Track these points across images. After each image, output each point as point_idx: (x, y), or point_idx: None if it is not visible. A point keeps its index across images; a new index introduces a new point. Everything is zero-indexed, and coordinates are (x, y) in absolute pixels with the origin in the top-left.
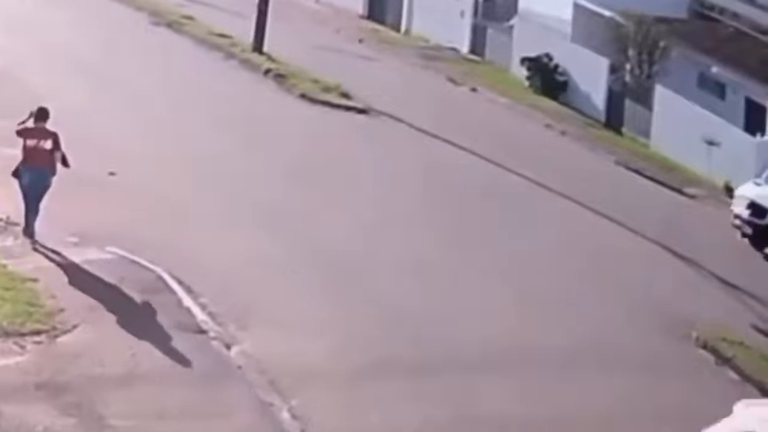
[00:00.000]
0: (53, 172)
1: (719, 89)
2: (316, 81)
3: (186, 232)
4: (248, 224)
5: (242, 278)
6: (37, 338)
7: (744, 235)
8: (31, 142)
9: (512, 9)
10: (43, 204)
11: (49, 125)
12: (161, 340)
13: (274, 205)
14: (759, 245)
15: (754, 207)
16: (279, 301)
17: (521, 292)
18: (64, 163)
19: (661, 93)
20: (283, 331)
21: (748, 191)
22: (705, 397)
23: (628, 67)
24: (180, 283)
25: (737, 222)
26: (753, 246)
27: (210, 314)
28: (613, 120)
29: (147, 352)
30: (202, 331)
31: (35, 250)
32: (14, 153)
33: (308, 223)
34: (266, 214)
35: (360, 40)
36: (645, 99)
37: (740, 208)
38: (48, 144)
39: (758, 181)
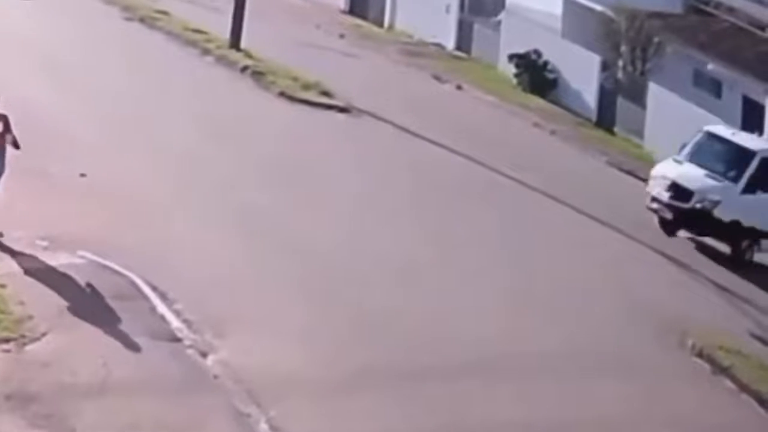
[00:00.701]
0: (3, 155)
1: (715, 87)
2: (295, 78)
3: (160, 236)
4: (225, 226)
5: (219, 283)
6: (5, 346)
7: (662, 220)
8: None
9: (500, 3)
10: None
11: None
12: (134, 349)
13: (251, 206)
14: (674, 231)
15: (676, 189)
16: (257, 306)
17: (509, 295)
18: (15, 145)
19: (654, 91)
20: (261, 338)
21: (668, 171)
22: (702, 408)
23: (620, 63)
24: (154, 288)
25: (655, 206)
26: (667, 232)
27: (185, 321)
28: (605, 119)
29: (119, 361)
30: (177, 339)
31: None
32: None
33: (288, 226)
34: (244, 216)
35: (341, 36)
36: (638, 97)
37: (659, 190)
38: None
39: (679, 158)
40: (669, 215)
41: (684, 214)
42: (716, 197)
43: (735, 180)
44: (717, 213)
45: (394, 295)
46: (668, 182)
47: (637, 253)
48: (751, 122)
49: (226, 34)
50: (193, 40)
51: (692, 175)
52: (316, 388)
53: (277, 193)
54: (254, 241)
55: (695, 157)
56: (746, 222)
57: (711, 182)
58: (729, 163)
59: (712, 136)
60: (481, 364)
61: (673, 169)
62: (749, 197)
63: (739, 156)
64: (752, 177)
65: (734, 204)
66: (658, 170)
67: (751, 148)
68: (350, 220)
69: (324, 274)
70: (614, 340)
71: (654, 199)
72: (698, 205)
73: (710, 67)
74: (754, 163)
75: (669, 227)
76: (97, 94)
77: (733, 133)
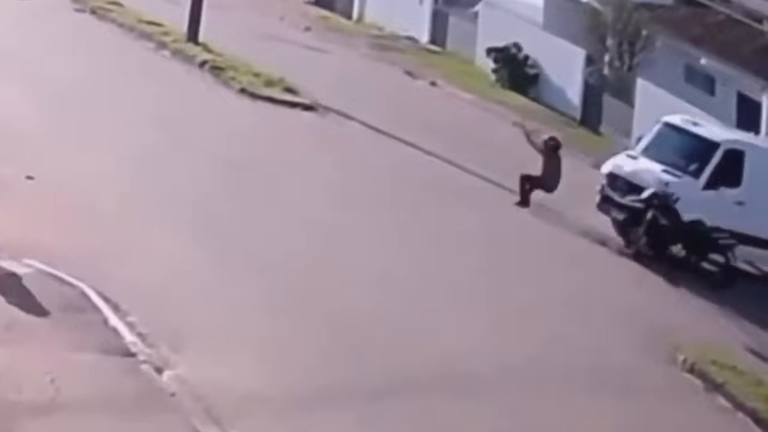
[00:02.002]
0: None
1: (708, 83)
2: (257, 74)
3: (113, 243)
4: (183, 233)
5: (176, 294)
6: None
7: (615, 222)
8: None
9: None
10: None
11: None
12: (85, 364)
13: (211, 210)
14: (625, 233)
15: (629, 186)
16: (217, 319)
17: (489, 304)
18: None
19: (643, 87)
20: (221, 353)
21: (620, 167)
22: (694, 428)
23: (606, 58)
24: (106, 300)
25: (606, 206)
26: (619, 233)
27: (139, 335)
28: (590, 118)
29: (69, 377)
30: (131, 354)
31: None
32: None
33: (250, 232)
34: (203, 222)
35: (307, 29)
36: (625, 94)
37: (610, 188)
38: None
39: (633, 153)
40: (621, 216)
41: (639, 214)
42: (674, 194)
43: (696, 175)
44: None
45: (365, 304)
46: (621, 179)
47: (623, 261)
48: (746, 121)
49: (183, 26)
50: (148, 33)
51: (647, 171)
52: (280, 406)
53: (239, 197)
54: (214, 249)
55: (652, 151)
56: (710, 222)
57: (668, 178)
58: (689, 157)
59: (671, 127)
60: (458, 378)
61: (627, 164)
62: (712, 193)
63: (701, 148)
64: (715, 171)
65: (695, 201)
66: (608, 166)
67: (713, 140)
68: (317, 225)
69: (290, 283)
70: (599, 353)
71: (604, 199)
72: (654, 203)
73: (703, 62)
74: (717, 156)
75: (622, 229)
76: (44, 91)
77: (695, 124)
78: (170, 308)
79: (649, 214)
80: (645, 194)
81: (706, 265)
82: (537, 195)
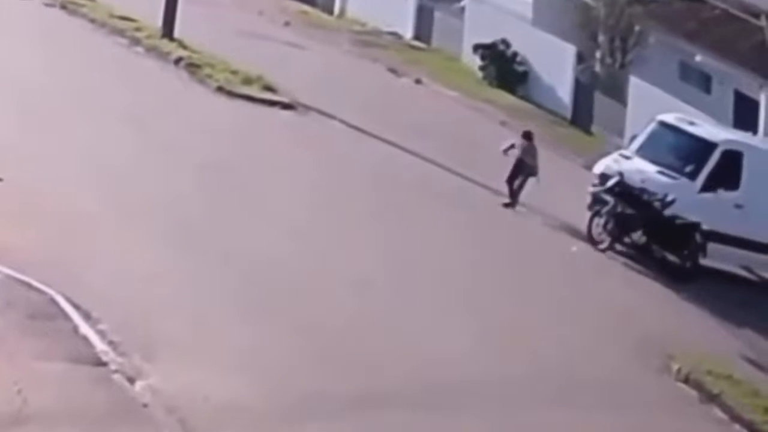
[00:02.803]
0: None
1: (704, 81)
2: (235, 71)
3: (84, 248)
4: (157, 238)
5: (149, 301)
6: None
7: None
8: None
9: None
10: None
11: None
12: (54, 374)
13: (186, 214)
14: (620, 237)
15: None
16: (192, 326)
17: (473, 311)
18: None
19: (636, 85)
20: (196, 361)
21: (613, 167)
22: None
23: (598, 55)
24: (76, 307)
25: (597, 208)
26: (615, 240)
27: (111, 343)
28: (581, 117)
29: (37, 387)
30: (102, 363)
31: None
32: None
33: (226, 236)
34: (178, 226)
35: (286, 24)
36: (618, 92)
37: (601, 190)
38: None
39: (627, 153)
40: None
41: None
42: (670, 196)
43: (692, 176)
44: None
45: (346, 311)
46: (613, 180)
47: (616, 266)
48: (744, 120)
49: (157, 21)
50: (121, 28)
51: (642, 172)
52: (257, 418)
53: (215, 200)
54: (189, 254)
55: (646, 151)
56: (706, 225)
57: (663, 179)
58: (685, 158)
59: (666, 126)
60: (442, 390)
61: (620, 165)
62: (709, 196)
63: (697, 149)
64: (712, 173)
65: (692, 205)
66: (600, 167)
67: (710, 140)
68: (295, 228)
69: (267, 290)
70: (589, 363)
71: (596, 201)
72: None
73: (699, 58)
74: (715, 157)
75: (616, 235)
76: (12, 89)
77: (691, 123)
78: (143, 315)
79: (611, 203)
80: (609, 183)
81: (669, 256)
82: (525, 197)
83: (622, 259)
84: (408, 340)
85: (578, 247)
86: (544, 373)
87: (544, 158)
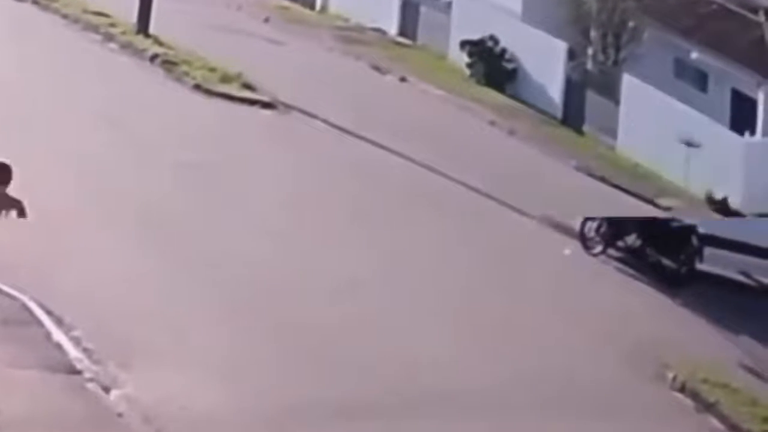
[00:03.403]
0: None
1: (700, 79)
2: (213, 69)
3: (57, 252)
4: (132, 241)
5: (125, 306)
6: None
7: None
8: None
9: None
10: None
11: None
12: (26, 382)
13: (164, 216)
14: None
15: None
16: (169, 332)
17: (460, 316)
18: None
19: (629, 83)
20: (174, 369)
21: None
22: None
23: (590, 52)
24: (49, 313)
25: None
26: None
27: (85, 351)
28: (572, 116)
29: (8, 396)
30: (76, 371)
31: None
32: None
33: (206, 239)
34: (155, 229)
35: (266, 20)
36: (611, 91)
37: None
38: None
39: None
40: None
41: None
42: None
43: None
44: None
45: (330, 317)
46: None
47: (609, 270)
48: (741, 119)
49: (132, 17)
50: (95, 24)
51: None
52: (237, 429)
53: (193, 201)
54: (167, 257)
55: None
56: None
57: None
58: None
59: None
60: (434, 396)
61: None
62: None
63: None
64: None
65: None
66: None
67: None
68: (276, 231)
69: (249, 293)
70: (581, 370)
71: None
72: None
73: (694, 55)
74: None
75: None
76: None
77: None
78: (118, 321)
79: None
80: None
81: (663, 260)
82: (516, 199)
83: (616, 263)
84: (397, 344)
85: (571, 250)
86: (535, 380)
87: (536, 159)
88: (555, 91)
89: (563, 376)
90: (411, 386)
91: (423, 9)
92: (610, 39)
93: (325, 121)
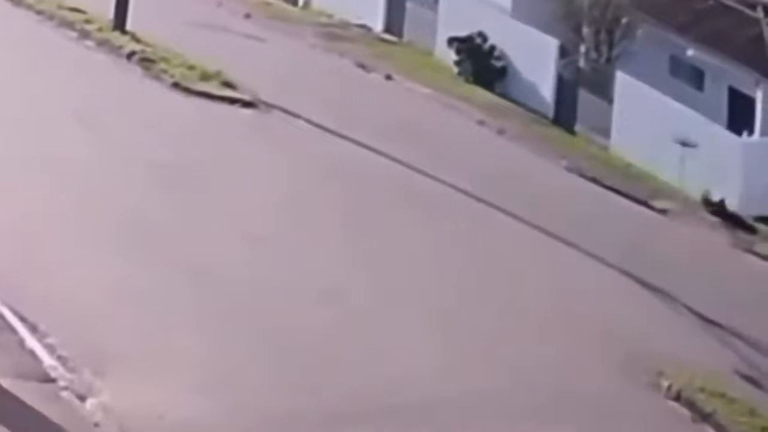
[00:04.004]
0: None
1: (696, 77)
2: (192, 67)
3: (30, 256)
4: (108, 244)
5: (100, 312)
6: None
7: None
8: None
9: None
10: None
11: None
12: None
13: (140, 219)
14: None
15: None
16: (146, 340)
17: (447, 324)
18: None
19: (623, 81)
20: (151, 377)
21: None
22: None
23: (582, 49)
24: (22, 319)
25: None
26: None
27: (60, 358)
28: (564, 115)
29: None
30: (50, 380)
31: None
32: None
33: (184, 244)
34: (130, 232)
35: (247, 16)
36: (603, 89)
37: None
38: None
39: None
40: None
41: None
42: None
43: None
44: None
45: (313, 325)
46: None
47: (599, 274)
48: (738, 119)
49: (109, 13)
50: (70, 20)
51: None
52: None
53: (171, 205)
54: (144, 261)
55: None
56: None
57: None
58: None
59: None
60: (416, 408)
61: None
62: None
63: None
64: None
65: None
66: None
67: None
68: (257, 236)
69: (228, 300)
70: (572, 379)
71: None
72: None
73: (690, 52)
74: None
75: None
76: None
77: None
78: (94, 328)
79: None
80: None
81: None
82: (505, 201)
83: (609, 272)
84: (382, 354)
85: (563, 252)
86: (526, 389)
87: (526, 160)
88: (546, 89)
89: (555, 385)
90: (399, 397)
91: (409, 5)
92: (602, 35)
93: (307, 120)
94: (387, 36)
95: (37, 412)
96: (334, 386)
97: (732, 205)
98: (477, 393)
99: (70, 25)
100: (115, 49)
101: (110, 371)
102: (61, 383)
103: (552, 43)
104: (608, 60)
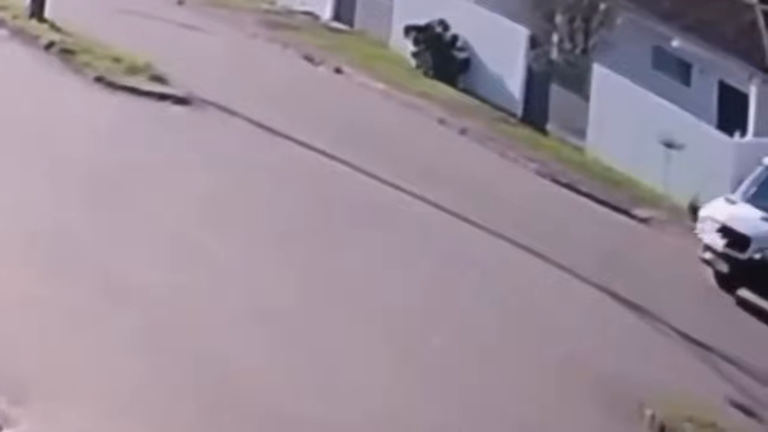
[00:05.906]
0: None
1: (683, 70)
2: (118, 59)
3: None
4: (25, 259)
5: (18, 333)
6: None
7: (718, 274)
8: None
9: None
10: None
11: None
12: None
13: (60, 230)
14: (732, 286)
15: (729, 234)
16: (69, 364)
17: (407, 352)
18: None
19: (601, 75)
20: (75, 404)
21: (718, 212)
22: None
23: (555, 38)
24: None
25: (708, 255)
26: (723, 287)
27: None
28: (534, 113)
29: None
30: None
31: None
32: None
33: (108, 258)
34: (51, 244)
35: (180, 2)
36: (579, 84)
37: (712, 236)
38: None
39: (732, 198)
40: (725, 268)
41: (742, 266)
42: None
43: None
44: None
45: (250, 349)
46: (718, 226)
47: (577, 293)
48: (729, 116)
49: None
50: None
51: (746, 218)
52: None
53: (94, 215)
54: (64, 279)
55: (753, 197)
56: None
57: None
58: None
59: None
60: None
61: (725, 210)
62: None
63: None
64: None
65: None
66: (708, 211)
67: None
68: (187, 248)
69: (158, 325)
70: (546, 409)
71: (707, 248)
72: (757, 256)
73: (675, 43)
74: None
75: (726, 283)
76: None
77: None
78: (12, 351)
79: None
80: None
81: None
82: (470, 211)
83: (586, 288)
84: (321, 384)
85: (532, 266)
86: (487, 423)
87: (492, 163)
88: (514, 84)
89: (525, 417)
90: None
91: None
92: (578, 24)
93: (247, 119)
94: (336, 24)
95: None
96: (271, 418)
97: None
98: (438, 425)
99: None
100: (31, 39)
101: (30, 399)
102: None
103: (521, 33)
104: (584, 51)
